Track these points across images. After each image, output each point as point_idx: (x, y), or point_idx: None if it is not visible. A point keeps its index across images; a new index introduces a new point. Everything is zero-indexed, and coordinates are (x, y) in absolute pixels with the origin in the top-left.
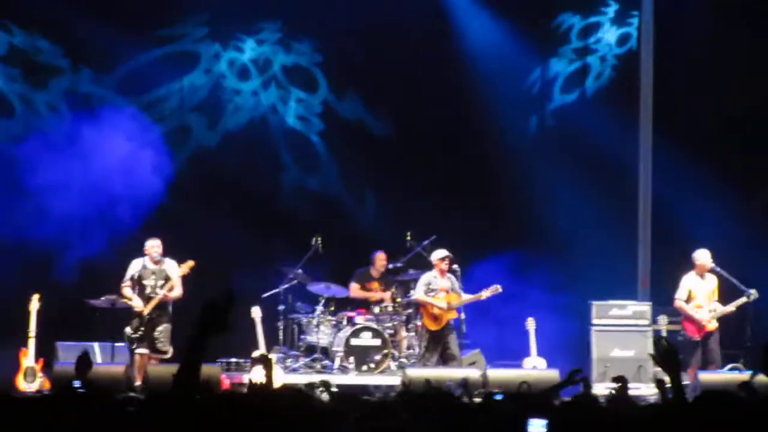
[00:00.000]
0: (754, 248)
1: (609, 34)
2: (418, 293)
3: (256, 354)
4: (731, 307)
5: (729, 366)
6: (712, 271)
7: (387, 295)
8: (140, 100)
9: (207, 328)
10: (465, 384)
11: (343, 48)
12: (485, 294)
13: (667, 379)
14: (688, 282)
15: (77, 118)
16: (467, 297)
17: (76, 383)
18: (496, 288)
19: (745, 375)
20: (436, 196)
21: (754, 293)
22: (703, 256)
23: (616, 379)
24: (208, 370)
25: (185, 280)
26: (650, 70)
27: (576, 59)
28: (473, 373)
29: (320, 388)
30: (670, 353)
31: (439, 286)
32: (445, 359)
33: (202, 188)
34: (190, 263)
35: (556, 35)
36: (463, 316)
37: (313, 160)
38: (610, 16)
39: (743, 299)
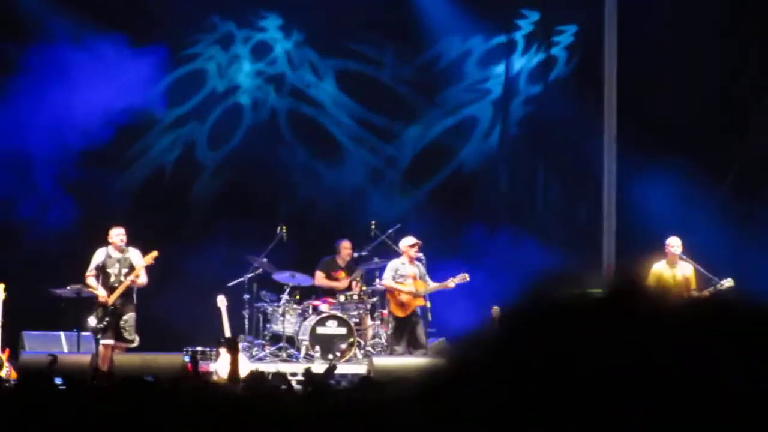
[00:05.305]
0: (722, 236)
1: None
2: (386, 279)
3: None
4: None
5: None
6: (682, 258)
7: (353, 283)
8: None
9: None
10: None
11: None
12: (452, 282)
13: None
14: (657, 270)
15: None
16: (434, 285)
17: (58, 380)
18: (464, 276)
19: None
20: (403, 187)
21: (728, 282)
22: (672, 244)
23: None
24: (173, 359)
25: (149, 269)
26: (614, 59)
27: (540, 52)
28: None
29: (288, 376)
30: None
31: (407, 273)
32: (412, 347)
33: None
34: (154, 253)
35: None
36: (428, 304)
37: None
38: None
39: (711, 288)
